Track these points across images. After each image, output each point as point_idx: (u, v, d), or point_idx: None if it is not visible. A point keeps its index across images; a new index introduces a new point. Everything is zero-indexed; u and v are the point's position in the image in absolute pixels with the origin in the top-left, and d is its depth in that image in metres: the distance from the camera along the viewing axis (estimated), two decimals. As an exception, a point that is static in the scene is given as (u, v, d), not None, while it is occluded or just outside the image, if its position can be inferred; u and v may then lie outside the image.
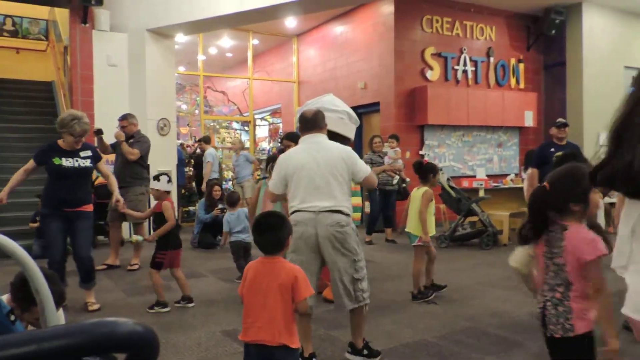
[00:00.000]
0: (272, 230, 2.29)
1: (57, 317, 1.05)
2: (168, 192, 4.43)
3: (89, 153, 4.37)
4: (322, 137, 3.24)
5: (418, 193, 4.60)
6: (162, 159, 8.22)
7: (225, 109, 13.79)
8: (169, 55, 8.57)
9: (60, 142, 4.31)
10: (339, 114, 4.43)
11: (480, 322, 3.96)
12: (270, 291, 2.22)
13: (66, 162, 4.24)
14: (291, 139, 5.33)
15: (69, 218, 4.23)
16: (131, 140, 5.93)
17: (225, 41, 11.67)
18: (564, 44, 10.11)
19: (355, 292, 3.09)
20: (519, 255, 2.14)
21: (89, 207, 4.39)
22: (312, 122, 3.24)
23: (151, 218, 4.45)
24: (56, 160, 4.21)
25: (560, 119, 6.00)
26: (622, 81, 10.27)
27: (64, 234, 4.25)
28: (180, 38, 9.54)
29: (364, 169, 3.22)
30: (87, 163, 4.34)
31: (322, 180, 3.07)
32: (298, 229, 3.06)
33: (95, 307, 4.37)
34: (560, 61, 10.24)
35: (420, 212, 4.47)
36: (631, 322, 1.28)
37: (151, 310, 4.29)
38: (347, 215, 3.12)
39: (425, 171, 4.66)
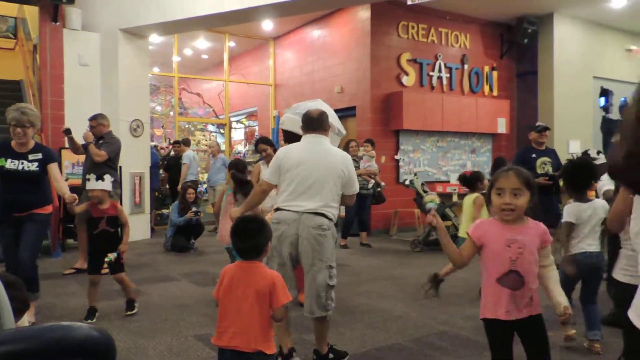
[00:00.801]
0: (252, 236, 2.24)
1: (13, 322, 1.00)
2: (109, 192, 4.19)
3: (38, 156, 4.06)
4: (325, 140, 3.23)
5: (469, 200, 4.73)
6: (135, 160, 8.07)
7: (201, 111, 13.66)
8: (142, 56, 8.44)
9: (12, 141, 4.05)
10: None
11: (454, 325, 3.98)
12: (247, 297, 2.18)
13: (10, 165, 3.97)
14: (266, 142, 5.32)
15: (22, 222, 3.99)
16: (101, 142, 5.77)
17: (201, 43, 11.57)
18: (536, 53, 10.33)
19: (326, 300, 3.07)
20: None
21: (44, 210, 4.10)
22: (317, 122, 3.21)
23: (103, 221, 4.14)
24: (1, 162, 3.97)
25: (540, 123, 5.78)
26: (591, 90, 10.56)
27: (17, 240, 3.98)
28: (155, 38, 9.40)
29: (356, 186, 3.25)
30: (34, 167, 4.02)
31: (316, 181, 3.06)
32: (280, 228, 3.05)
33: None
34: (532, 70, 10.45)
35: (474, 218, 4.58)
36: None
37: (132, 312, 4.20)
38: (331, 220, 3.10)
39: (473, 181, 4.89)
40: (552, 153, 5.78)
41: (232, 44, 11.56)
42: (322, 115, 3.23)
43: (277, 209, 3.13)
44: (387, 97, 9.10)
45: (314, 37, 10.36)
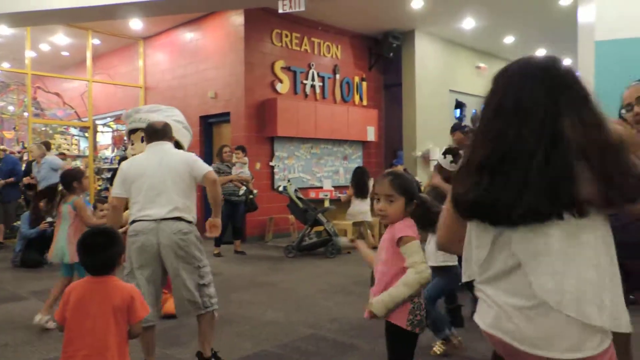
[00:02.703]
0: (102, 250, 2.09)
1: None
2: None
3: None
4: (168, 145, 3.23)
5: None
6: (-24, 166, 7.14)
7: (60, 112, 12.49)
8: (-14, 49, 7.51)
9: None
10: (183, 124, 4.40)
11: (321, 328, 4.08)
12: (101, 314, 2.02)
13: None
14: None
15: None
16: None
17: (60, 38, 10.61)
18: (400, 66, 11.06)
19: (202, 298, 3.07)
20: None
21: None
22: (161, 133, 3.23)
23: None
24: None
25: (467, 125, 5.88)
26: (447, 102, 11.59)
27: None
28: (3, 30, 8.42)
29: (204, 166, 3.19)
30: None
31: (164, 185, 3.02)
32: (139, 239, 2.97)
33: None
34: (397, 82, 11.17)
35: None
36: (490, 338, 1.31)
37: None
38: (190, 222, 3.09)
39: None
40: None
41: (96, 41, 10.78)
42: (166, 126, 3.29)
43: (133, 221, 3.04)
44: (262, 103, 9.11)
45: (187, 39, 10.05)
